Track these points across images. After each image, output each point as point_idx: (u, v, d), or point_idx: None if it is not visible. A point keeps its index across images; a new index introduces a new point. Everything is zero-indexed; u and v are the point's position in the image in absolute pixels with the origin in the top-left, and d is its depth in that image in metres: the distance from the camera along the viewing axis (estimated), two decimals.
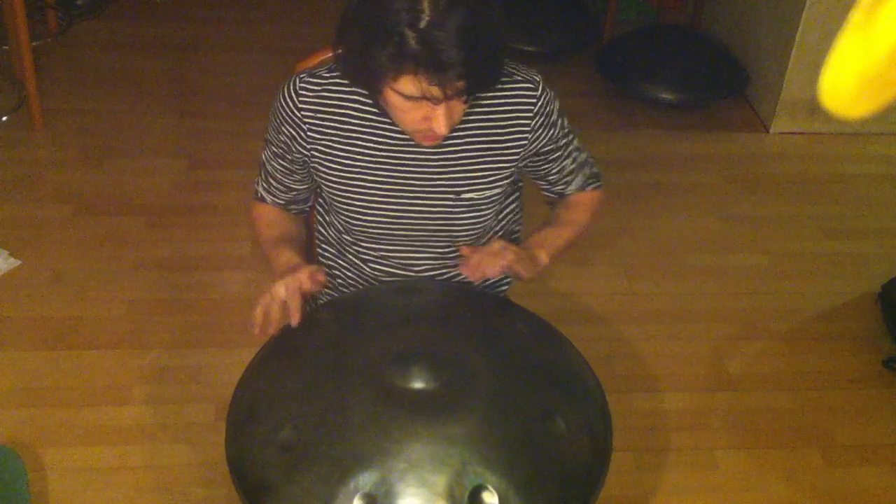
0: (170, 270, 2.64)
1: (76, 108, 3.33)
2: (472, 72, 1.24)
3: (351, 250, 1.63)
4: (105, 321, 2.46)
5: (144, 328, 2.45)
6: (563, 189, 1.63)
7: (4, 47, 3.43)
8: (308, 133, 1.48)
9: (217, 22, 3.99)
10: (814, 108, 3.39)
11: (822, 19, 3.23)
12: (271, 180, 1.59)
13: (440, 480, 1.16)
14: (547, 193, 1.66)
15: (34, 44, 3.18)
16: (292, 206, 1.63)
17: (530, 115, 1.48)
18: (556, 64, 3.79)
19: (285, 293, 1.41)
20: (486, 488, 1.16)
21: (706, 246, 2.91)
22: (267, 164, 1.58)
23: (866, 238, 2.99)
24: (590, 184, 1.65)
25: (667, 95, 3.50)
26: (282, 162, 1.55)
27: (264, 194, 1.62)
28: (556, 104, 1.52)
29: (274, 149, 1.54)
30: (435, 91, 1.25)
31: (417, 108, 1.31)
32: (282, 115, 1.48)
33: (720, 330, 2.58)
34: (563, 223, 1.63)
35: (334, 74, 1.45)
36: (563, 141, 1.56)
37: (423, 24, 1.21)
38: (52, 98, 3.31)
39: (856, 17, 0.53)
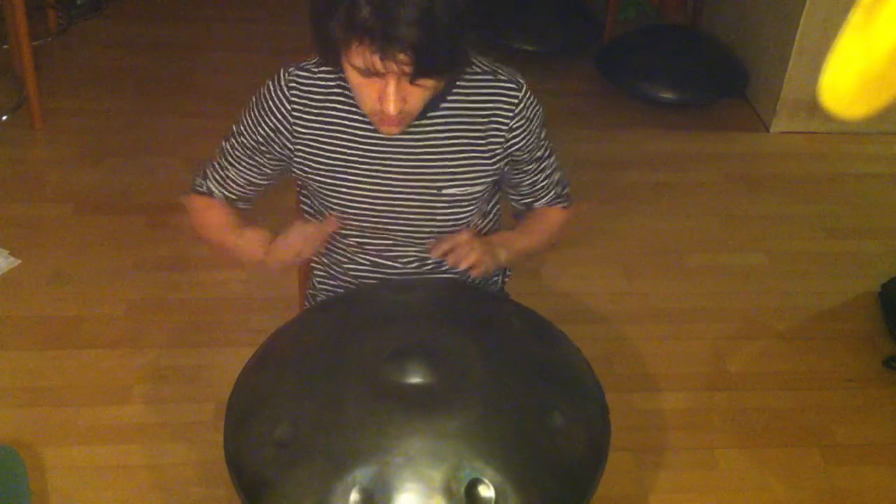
0: (170, 270, 2.64)
1: (76, 107, 3.33)
2: (420, 50, 1.20)
3: (338, 241, 1.62)
4: (104, 321, 2.46)
5: (144, 328, 2.45)
6: (531, 202, 1.64)
7: (4, 47, 3.43)
8: (295, 127, 1.47)
9: (217, 22, 3.99)
10: (814, 107, 3.38)
11: (822, 19, 3.23)
12: (228, 173, 1.56)
13: (436, 475, 1.16)
14: (515, 205, 1.67)
15: (34, 43, 3.17)
16: (240, 204, 1.61)
17: (510, 114, 1.47)
18: (556, 64, 3.79)
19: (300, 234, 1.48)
20: (482, 482, 1.16)
21: (706, 246, 2.91)
22: (228, 155, 1.55)
23: (866, 238, 2.98)
24: (558, 202, 1.65)
25: (667, 95, 3.50)
26: (252, 155, 1.53)
27: (214, 187, 1.58)
28: (541, 115, 1.51)
29: (245, 140, 1.51)
30: (377, 62, 1.21)
31: (370, 84, 1.28)
32: (268, 106, 1.47)
33: (720, 329, 2.58)
34: (525, 231, 1.65)
35: (322, 69, 1.45)
36: (539, 153, 1.55)
37: None
38: (52, 98, 3.31)
39: (856, 17, 0.53)
